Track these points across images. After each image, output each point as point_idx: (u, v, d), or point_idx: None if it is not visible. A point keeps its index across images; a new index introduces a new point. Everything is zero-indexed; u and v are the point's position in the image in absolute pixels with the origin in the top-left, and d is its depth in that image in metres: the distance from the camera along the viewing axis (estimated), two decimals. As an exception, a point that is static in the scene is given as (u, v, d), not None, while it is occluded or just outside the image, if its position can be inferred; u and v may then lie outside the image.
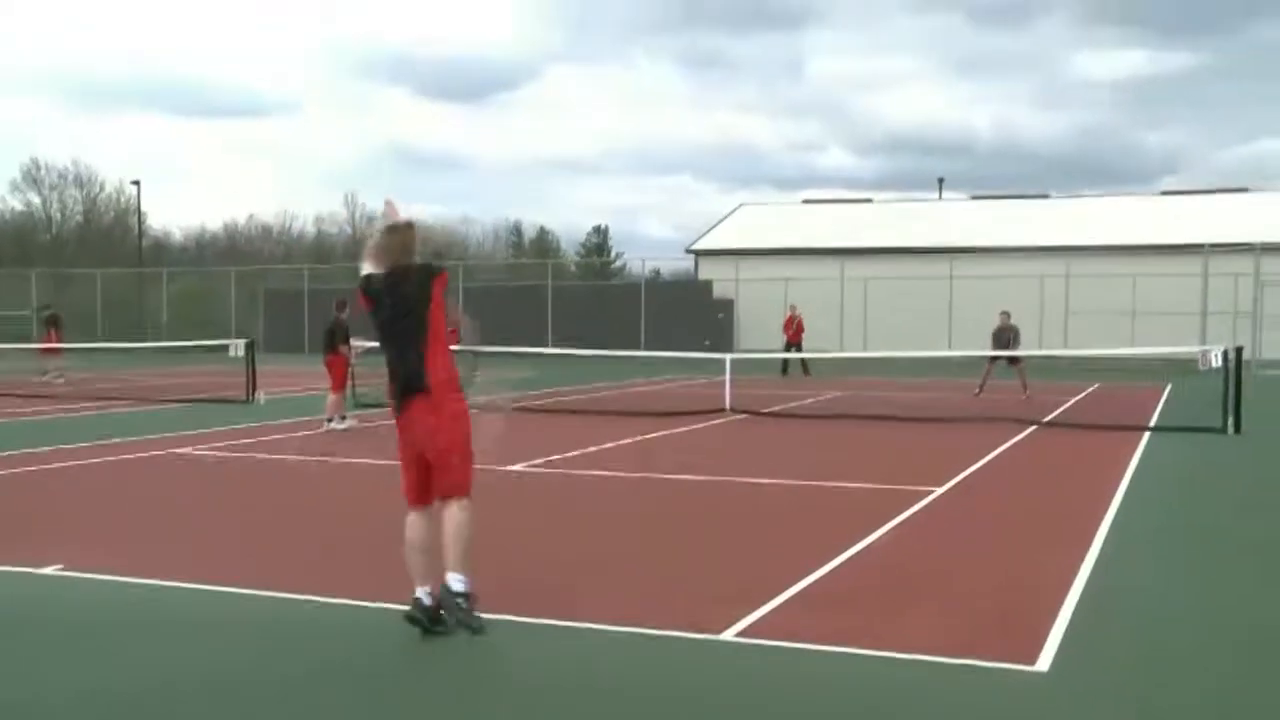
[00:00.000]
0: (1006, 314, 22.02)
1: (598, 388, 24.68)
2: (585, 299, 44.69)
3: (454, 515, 5.83)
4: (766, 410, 18.52)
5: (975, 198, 53.09)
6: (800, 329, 28.55)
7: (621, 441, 14.45)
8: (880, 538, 8.33)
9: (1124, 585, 6.92)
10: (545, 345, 37.05)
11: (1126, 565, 7.44)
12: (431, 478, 5.87)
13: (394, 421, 5.93)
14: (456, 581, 5.77)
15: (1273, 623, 6.16)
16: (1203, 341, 30.60)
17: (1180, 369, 28.84)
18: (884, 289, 39.44)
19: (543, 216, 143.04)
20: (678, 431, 15.79)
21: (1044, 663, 5.36)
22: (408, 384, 5.79)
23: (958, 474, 11.49)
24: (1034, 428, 16.07)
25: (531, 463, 12.37)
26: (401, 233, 5.83)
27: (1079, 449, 14.04)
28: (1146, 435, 15.15)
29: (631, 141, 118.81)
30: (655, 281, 57.49)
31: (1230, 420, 15.30)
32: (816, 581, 6.95)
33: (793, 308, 29.62)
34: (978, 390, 21.71)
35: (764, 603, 6.37)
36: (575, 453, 13.26)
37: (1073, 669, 5.28)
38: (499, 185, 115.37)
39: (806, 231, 46.62)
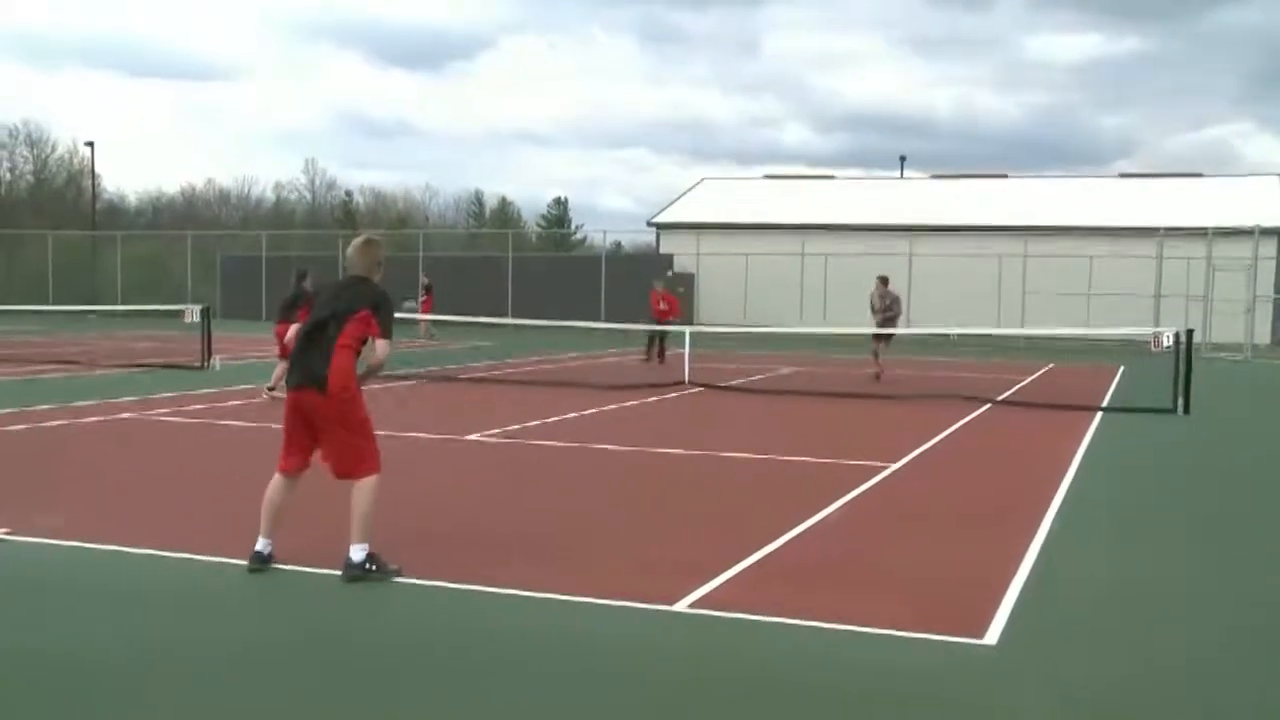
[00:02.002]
0: (884, 279, 20.08)
1: (557, 359, 24.62)
2: (546, 270, 44.51)
3: (359, 491, 6.35)
4: (724, 384, 18.57)
5: (936, 177, 53.33)
6: (674, 308, 23.54)
7: (580, 413, 14.44)
8: (834, 513, 8.38)
9: (1072, 562, 7.00)
10: (505, 316, 36.93)
11: (1075, 543, 7.53)
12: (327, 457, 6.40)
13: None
14: (357, 551, 6.26)
15: (1216, 598, 6.26)
16: (1156, 324, 30.99)
17: (1133, 350, 29.21)
18: (844, 265, 39.55)
19: (504, 187, 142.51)
20: (635, 404, 15.80)
21: (992, 637, 5.42)
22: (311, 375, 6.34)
23: (912, 450, 11.57)
24: (988, 406, 16.22)
25: (488, 432, 12.34)
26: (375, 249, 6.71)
27: (1032, 428, 14.18)
28: (1098, 415, 15.34)
29: (589, 114, 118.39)
30: (616, 254, 57.32)
31: (1180, 401, 15.51)
32: (771, 554, 6.99)
33: (660, 284, 24.18)
34: (876, 370, 19.77)
35: (718, 574, 6.40)
36: (533, 423, 13.24)
37: (1020, 644, 5.35)
38: (459, 155, 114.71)
39: (768, 206, 46.65)
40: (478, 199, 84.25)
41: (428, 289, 33.60)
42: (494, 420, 13.30)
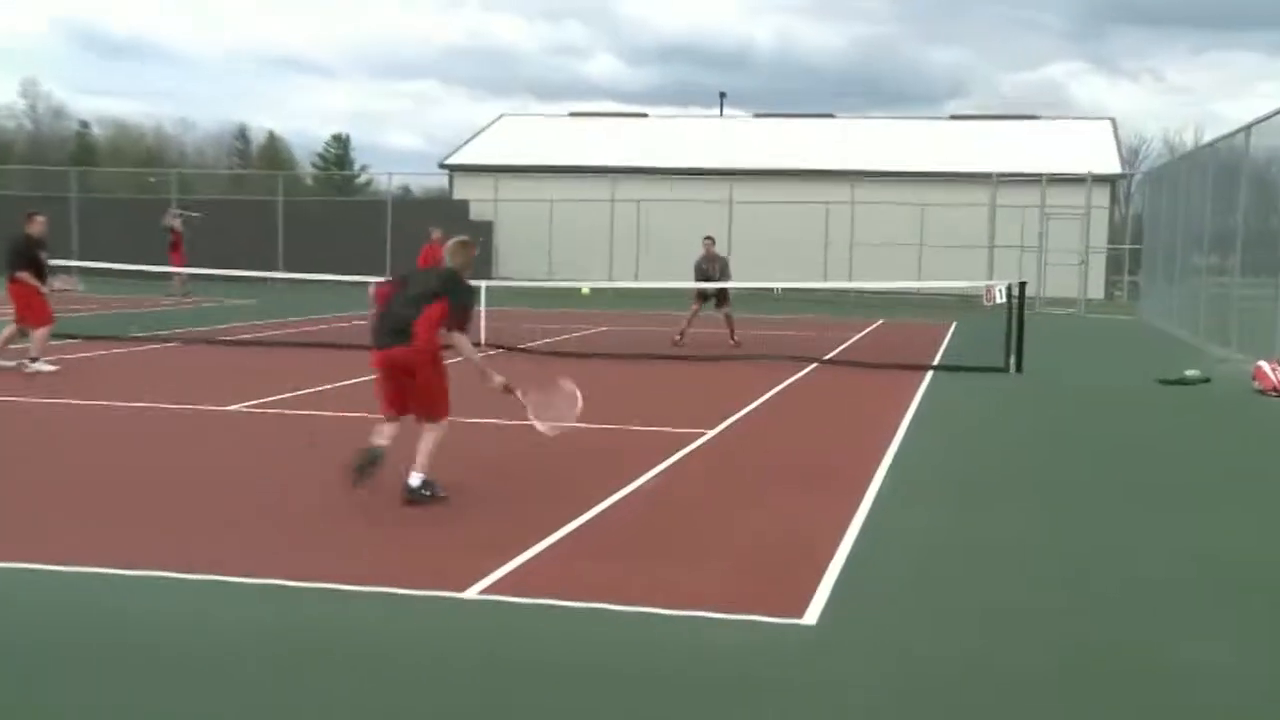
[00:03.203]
0: (711, 240, 20.24)
1: (336, 318, 24.15)
2: (323, 217, 43.46)
3: (431, 430, 8.08)
4: (525, 346, 18.54)
5: (758, 115, 54.25)
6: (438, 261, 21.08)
7: (361, 379, 14.19)
8: (644, 484, 8.49)
9: (897, 531, 7.28)
10: (275, 269, 35.92)
11: (901, 511, 7.83)
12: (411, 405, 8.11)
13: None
14: (416, 478, 7.82)
15: (1044, 570, 6.60)
16: (990, 277, 32.35)
17: (966, 305, 30.48)
18: (659, 212, 39.92)
19: (273, 121, 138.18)
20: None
21: (812, 615, 5.58)
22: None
23: (730, 415, 11.81)
24: (813, 366, 16.66)
25: (249, 402, 12.04)
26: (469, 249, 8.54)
27: (859, 389, 14.65)
28: (929, 374, 15.94)
29: (371, 39, 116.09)
30: (404, 199, 56.40)
31: (1012, 359, 16.26)
32: (573, 531, 7.03)
33: (435, 234, 22.98)
34: (679, 336, 19.48)
35: (517, 555, 6.40)
36: (304, 391, 12.99)
37: (840, 621, 5.53)
38: (218, 83, 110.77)
39: (574, 147, 46.64)
40: (242, 134, 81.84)
41: (175, 232, 31.49)
42: (259, 388, 12.97)
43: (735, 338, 19.80)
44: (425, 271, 9.05)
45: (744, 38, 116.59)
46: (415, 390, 8.05)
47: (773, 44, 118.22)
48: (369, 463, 7.73)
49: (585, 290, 30.72)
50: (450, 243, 8.66)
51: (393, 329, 7.96)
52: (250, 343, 18.78)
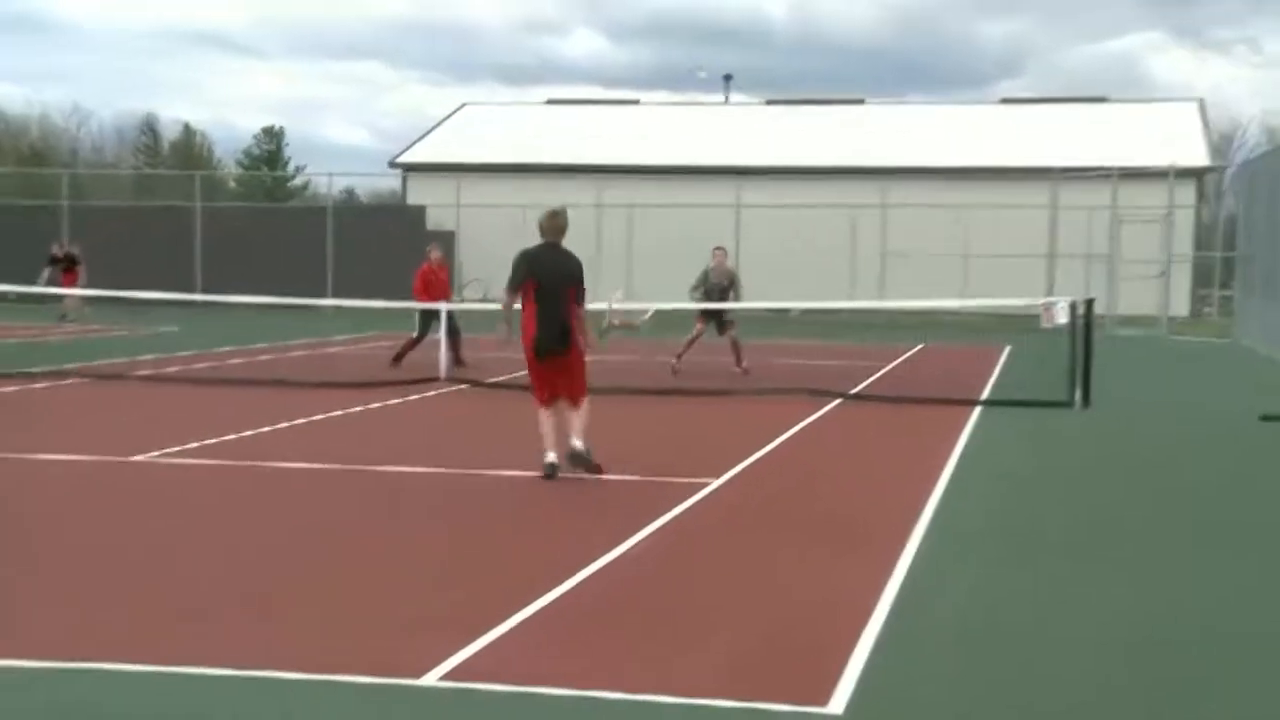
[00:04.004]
0: (723, 251, 20.62)
1: (266, 349, 24.16)
2: (251, 227, 43.57)
3: (580, 411, 11.28)
4: (495, 379, 18.56)
5: (771, 103, 54.55)
6: (437, 284, 20.96)
7: (296, 421, 14.23)
8: (640, 544, 8.51)
9: (936, 604, 7.29)
10: (193, 290, 35.95)
11: (941, 579, 7.84)
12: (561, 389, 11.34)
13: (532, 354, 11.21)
14: (580, 443, 11.08)
15: (1117, 655, 6.61)
16: (1049, 292, 32.45)
17: (1021, 325, 30.52)
18: (653, 219, 40.03)
19: (188, 111, 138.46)
20: (375, 407, 15.65)
21: (838, 704, 5.60)
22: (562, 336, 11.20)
23: (739, 462, 11.84)
24: (837, 402, 16.70)
25: (166, 450, 12.05)
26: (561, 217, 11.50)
27: (892, 428, 14.68)
28: (977, 410, 15.98)
29: (305, 12, 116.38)
30: (348, 205, 56.62)
31: (1078, 392, 16.31)
32: (555, 602, 7.04)
33: (434, 254, 21.49)
34: (675, 361, 19.77)
35: (482, 633, 6.41)
36: (230, 436, 12.99)
37: (871, 710, 5.54)
38: (120, 64, 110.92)
39: (551, 142, 46.83)
40: (150, 127, 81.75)
41: (70, 259, 31.49)
42: (174, 433, 12.98)
43: (743, 364, 19.87)
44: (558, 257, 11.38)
45: (753, 8, 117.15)
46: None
47: (788, 15, 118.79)
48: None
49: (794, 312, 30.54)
50: (545, 216, 11.44)
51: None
52: (161, 378, 18.77)
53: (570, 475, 10.96)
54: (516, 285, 11.31)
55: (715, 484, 10.72)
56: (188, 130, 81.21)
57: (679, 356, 19.82)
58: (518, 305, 11.29)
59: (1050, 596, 7.48)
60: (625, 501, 10.04)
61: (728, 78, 60.82)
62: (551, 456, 11.02)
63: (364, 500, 10.22)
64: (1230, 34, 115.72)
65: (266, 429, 13.67)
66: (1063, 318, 17.16)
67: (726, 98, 60.48)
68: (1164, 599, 7.48)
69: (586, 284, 11.28)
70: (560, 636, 6.53)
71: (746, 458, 12.07)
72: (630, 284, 38.54)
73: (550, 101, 55.52)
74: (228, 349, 23.89)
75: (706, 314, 20.11)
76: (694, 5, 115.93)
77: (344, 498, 10.32)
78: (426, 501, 10.10)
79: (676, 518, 9.41)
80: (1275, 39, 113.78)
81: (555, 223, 11.40)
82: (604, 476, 11.01)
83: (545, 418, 11.23)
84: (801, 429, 14.30)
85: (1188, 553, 8.71)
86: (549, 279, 11.13)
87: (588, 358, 11.48)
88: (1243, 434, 14.55)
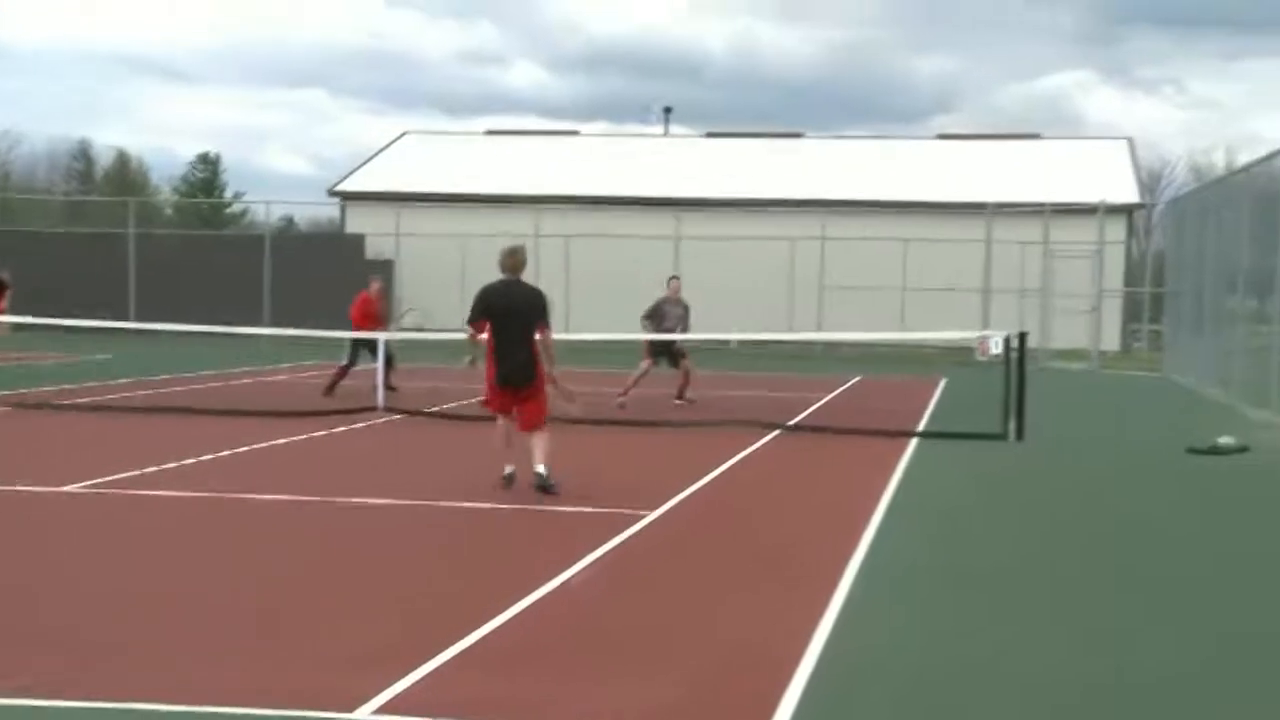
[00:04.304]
0: (678, 281, 20.61)
1: (202, 377, 24.01)
2: (187, 254, 43.25)
3: (540, 436, 11.88)
4: (432, 409, 18.51)
5: (711, 135, 54.78)
6: (374, 315, 20.83)
7: (233, 450, 14.15)
8: (575, 577, 8.49)
9: (873, 641, 7.30)
10: (126, 318, 35.62)
11: (878, 615, 7.86)
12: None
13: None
14: (544, 468, 11.65)
15: (1052, 684, 6.65)
16: (984, 325, 32.71)
17: (957, 359, 30.77)
18: (591, 250, 40.05)
19: (122, 136, 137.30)
20: (310, 437, 15.61)
21: (771, 737, 5.59)
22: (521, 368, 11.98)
23: (675, 494, 11.85)
24: (775, 433, 16.76)
25: (94, 481, 11.93)
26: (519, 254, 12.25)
27: (829, 460, 14.76)
28: (913, 443, 16.08)
29: (245, 40, 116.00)
30: (287, 233, 56.36)
31: (1012, 424, 16.44)
32: (489, 635, 7.02)
33: (374, 284, 21.48)
34: (622, 396, 19.60)
35: (414, 666, 6.37)
36: (162, 466, 12.89)
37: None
38: (52, 87, 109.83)
39: (491, 172, 46.82)
40: (83, 152, 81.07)
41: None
42: (104, 463, 12.85)
43: (687, 395, 19.94)
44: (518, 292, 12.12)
45: (693, 42, 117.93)
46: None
47: (728, 49, 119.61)
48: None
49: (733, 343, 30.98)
50: (504, 253, 12.25)
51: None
52: (92, 406, 18.59)
53: (507, 507, 10.94)
54: (474, 321, 12.13)
55: (651, 516, 10.71)
56: (122, 156, 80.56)
57: (625, 392, 19.71)
58: (484, 336, 12.04)
59: (982, 638, 7.48)
60: (562, 534, 10.03)
61: (667, 110, 61.04)
62: (509, 469, 11.88)
63: (300, 530, 10.16)
64: (1156, 73, 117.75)
65: (203, 458, 13.55)
66: (997, 350, 17.31)
67: (666, 129, 60.72)
68: (1090, 640, 7.52)
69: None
70: (491, 672, 6.49)
71: (683, 490, 12.08)
72: (568, 315, 38.59)
73: (490, 132, 55.51)
74: (162, 377, 23.68)
75: (656, 349, 20.08)
76: (633, 38, 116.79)
77: (280, 528, 10.26)
78: (363, 532, 10.05)
79: (612, 550, 9.39)
80: (1199, 80, 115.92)
81: (514, 259, 12.16)
82: (541, 507, 11.02)
83: (500, 428, 12.11)
84: (739, 461, 14.33)
85: (1111, 594, 8.73)
86: (506, 314, 11.88)
87: (549, 388, 12.14)
88: (1170, 467, 14.74)
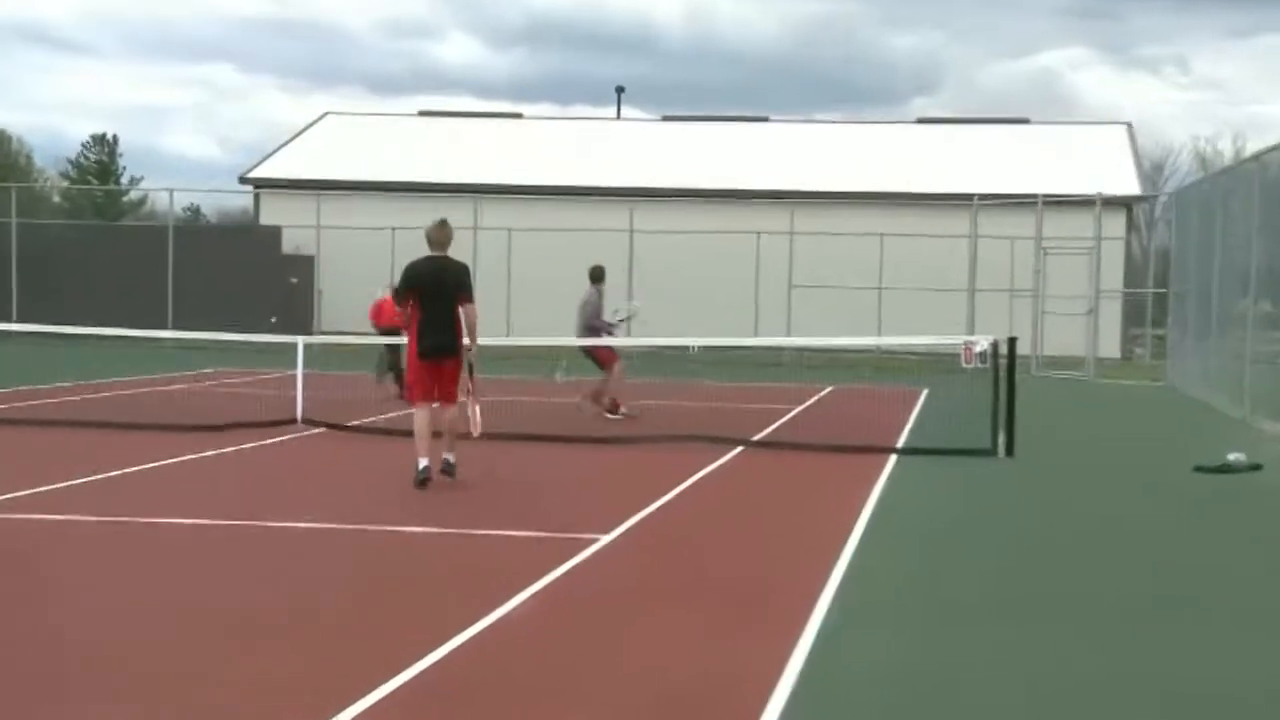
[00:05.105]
0: (599, 272, 20.99)
1: (94, 385, 23.85)
2: (78, 247, 43.00)
3: (450, 412, 13.38)
4: (355, 423, 18.44)
5: (667, 119, 54.87)
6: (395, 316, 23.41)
7: (138, 467, 14.08)
8: (520, 606, 8.47)
9: (847, 676, 7.32)
10: (8, 320, 35.35)
11: (852, 648, 7.87)
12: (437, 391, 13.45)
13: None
14: (450, 455, 13.26)
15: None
16: (970, 329, 32.85)
17: (940, 365, 30.91)
18: (535, 244, 40.01)
19: (4, 114, 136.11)
20: (219, 453, 15.55)
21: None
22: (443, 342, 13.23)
23: (630, 515, 11.82)
24: (739, 449, 16.77)
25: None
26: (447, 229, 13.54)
27: (799, 478, 14.77)
28: (892, 459, 16.12)
29: (142, 7, 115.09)
30: (193, 224, 56.10)
31: (1000, 439, 16.51)
32: (427, 672, 6.99)
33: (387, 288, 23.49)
34: (615, 407, 20.25)
35: (339, 707, 6.35)
36: (43, 488, 12.79)
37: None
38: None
39: (424, 158, 46.74)
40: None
41: None
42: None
43: (604, 404, 20.28)
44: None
45: (645, 15, 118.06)
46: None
47: (685, 23, 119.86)
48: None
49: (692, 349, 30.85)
50: (432, 226, 13.49)
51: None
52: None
53: (444, 531, 10.92)
54: (402, 297, 13.54)
55: (603, 541, 10.69)
56: (2, 136, 79.86)
57: (616, 405, 20.03)
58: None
59: (966, 674, 7.51)
60: (505, 560, 9.98)
61: (619, 90, 61.24)
62: (424, 463, 12.97)
63: (214, 557, 10.09)
64: (1158, 51, 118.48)
65: (102, 476, 13.44)
66: (983, 358, 17.39)
67: (619, 112, 60.87)
68: (1083, 674, 7.56)
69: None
70: (432, 708, 6.48)
71: (639, 511, 12.06)
72: (509, 316, 38.57)
73: (423, 113, 55.43)
74: (50, 386, 23.49)
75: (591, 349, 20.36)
76: (579, 10, 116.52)
77: (192, 555, 10.18)
78: (283, 559, 10.00)
79: (560, 578, 9.36)
80: (1204, 59, 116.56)
81: (442, 233, 13.51)
82: (484, 531, 11.05)
83: (421, 419, 13.21)
84: (700, 479, 14.33)
85: (1113, 623, 8.77)
86: (432, 288, 13.21)
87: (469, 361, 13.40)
88: (1175, 486, 14.80)
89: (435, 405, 13.51)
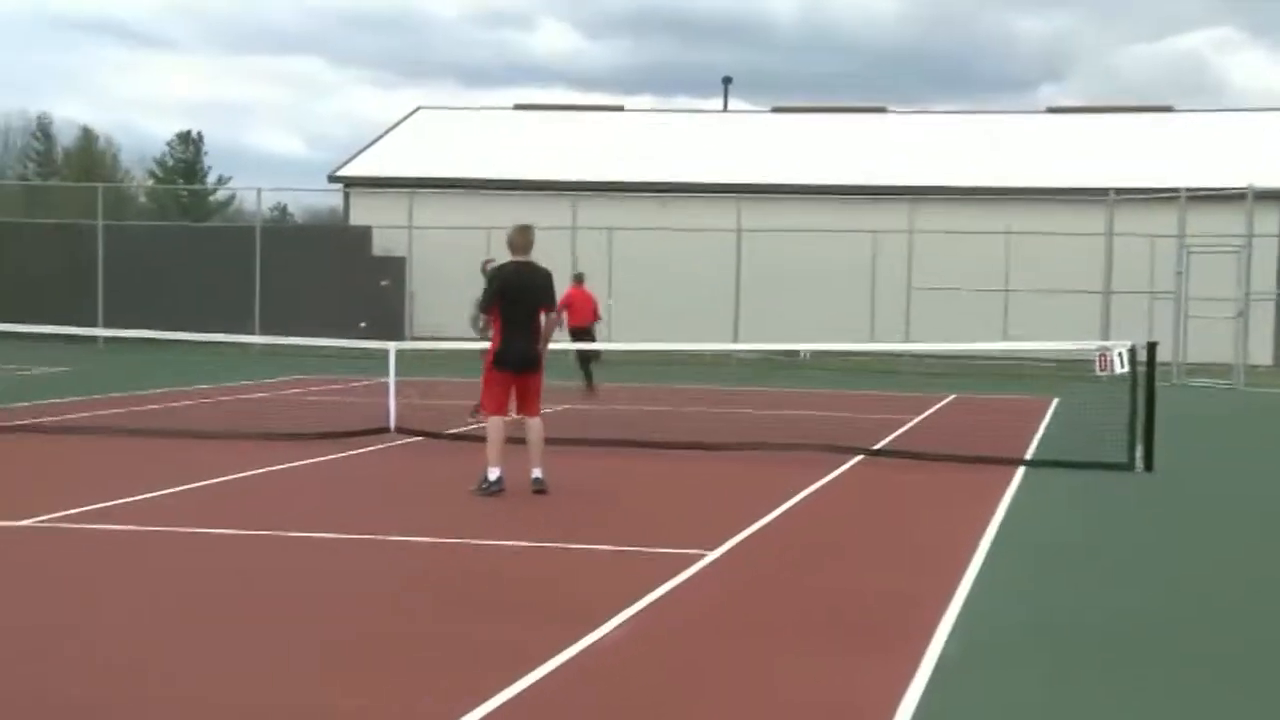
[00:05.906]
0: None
1: (181, 393, 24.11)
2: (164, 249, 43.52)
3: (539, 426, 13.47)
4: (453, 431, 18.50)
5: (777, 110, 54.72)
6: (592, 310, 25.92)
7: (211, 480, 14.18)
8: (620, 628, 8.44)
9: (968, 711, 7.21)
10: (95, 324, 35.87)
11: (974, 681, 7.75)
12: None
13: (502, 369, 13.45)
14: (539, 471, 13.35)
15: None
16: (1104, 335, 32.42)
17: (1072, 373, 30.53)
18: (638, 243, 40.00)
19: (87, 112, 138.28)
20: (309, 463, 15.63)
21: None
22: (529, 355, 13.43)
23: (737, 531, 11.76)
24: (856, 460, 16.64)
25: (54, 515, 11.99)
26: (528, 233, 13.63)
27: (918, 494, 14.61)
28: (1020, 472, 15.93)
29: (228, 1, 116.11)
30: (280, 225, 56.64)
31: (1139, 453, 16.26)
32: (506, 704, 6.95)
33: (578, 279, 26.17)
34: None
35: (429, 736, 6.34)
36: (133, 499, 12.93)
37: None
38: (7, 56, 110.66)
39: (520, 154, 46.87)
40: (43, 130, 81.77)
41: None
42: (67, 494, 12.91)
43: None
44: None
45: (755, 1, 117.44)
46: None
47: (796, 9, 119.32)
48: None
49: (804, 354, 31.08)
50: (513, 231, 13.56)
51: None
52: (55, 428, 18.66)
53: (535, 544, 10.91)
54: (488, 306, 13.76)
55: (707, 559, 10.62)
56: (87, 135, 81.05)
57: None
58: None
59: (1104, 713, 7.36)
60: (598, 578, 9.94)
61: (727, 81, 60.97)
62: (496, 473, 13.19)
63: (273, 571, 10.12)
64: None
65: (176, 489, 13.55)
66: (1121, 365, 17.13)
67: (725, 104, 60.71)
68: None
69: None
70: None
71: (746, 527, 11.98)
72: (611, 320, 38.58)
73: (518, 106, 55.66)
74: (133, 394, 23.76)
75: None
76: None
77: (251, 569, 10.22)
78: (356, 576, 10.00)
79: (660, 599, 9.31)
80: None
81: (525, 238, 13.58)
82: (582, 546, 11.06)
83: (496, 426, 13.38)
84: (813, 492, 14.23)
85: (1247, 678, 8.43)
86: (519, 297, 13.38)
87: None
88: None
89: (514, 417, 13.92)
